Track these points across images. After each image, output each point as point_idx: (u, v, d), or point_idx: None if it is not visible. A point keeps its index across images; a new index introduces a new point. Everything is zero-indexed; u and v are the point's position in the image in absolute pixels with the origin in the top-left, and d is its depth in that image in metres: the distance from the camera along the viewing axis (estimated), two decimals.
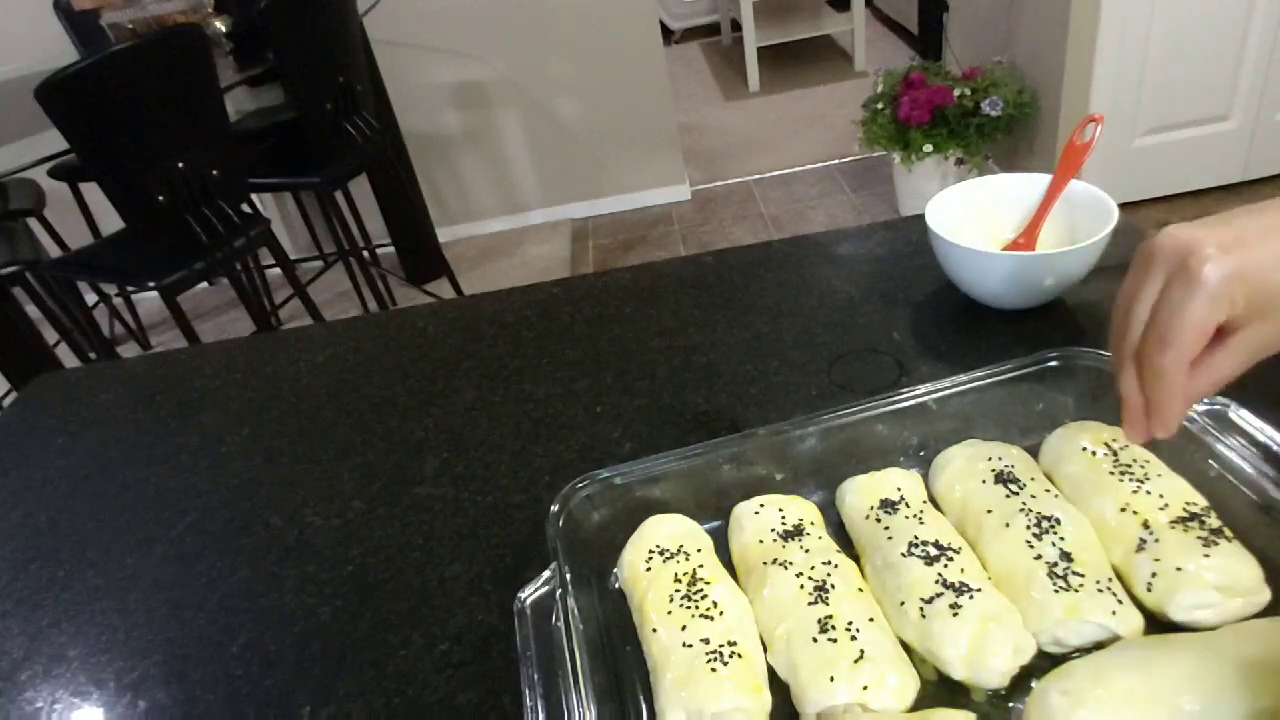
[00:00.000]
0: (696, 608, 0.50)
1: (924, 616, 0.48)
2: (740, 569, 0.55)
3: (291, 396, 0.85)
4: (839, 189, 3.24)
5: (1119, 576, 0.49)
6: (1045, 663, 0.46)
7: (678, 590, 0.51)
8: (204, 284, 3.10)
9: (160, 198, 1.73)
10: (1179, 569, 0.47)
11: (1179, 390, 0.42)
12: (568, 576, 0.51)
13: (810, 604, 0.49)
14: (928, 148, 2.61)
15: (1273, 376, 0.64)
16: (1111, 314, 0.46)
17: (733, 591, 0.52)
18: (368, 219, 2.80)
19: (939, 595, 0.48)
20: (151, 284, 1.80)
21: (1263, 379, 0.64)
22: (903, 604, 0.49)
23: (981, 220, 0.81)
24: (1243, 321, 0.41)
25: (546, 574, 0.53)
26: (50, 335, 2.15)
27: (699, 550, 0.55)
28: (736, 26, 4.36)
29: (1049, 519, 0.51)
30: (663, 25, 4.13)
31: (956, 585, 0.48)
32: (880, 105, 2.75)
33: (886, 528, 0.53)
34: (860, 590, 0.51)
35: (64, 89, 1.52)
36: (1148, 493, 0.51)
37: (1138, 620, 0.47)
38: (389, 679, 0.55)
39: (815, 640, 0.47)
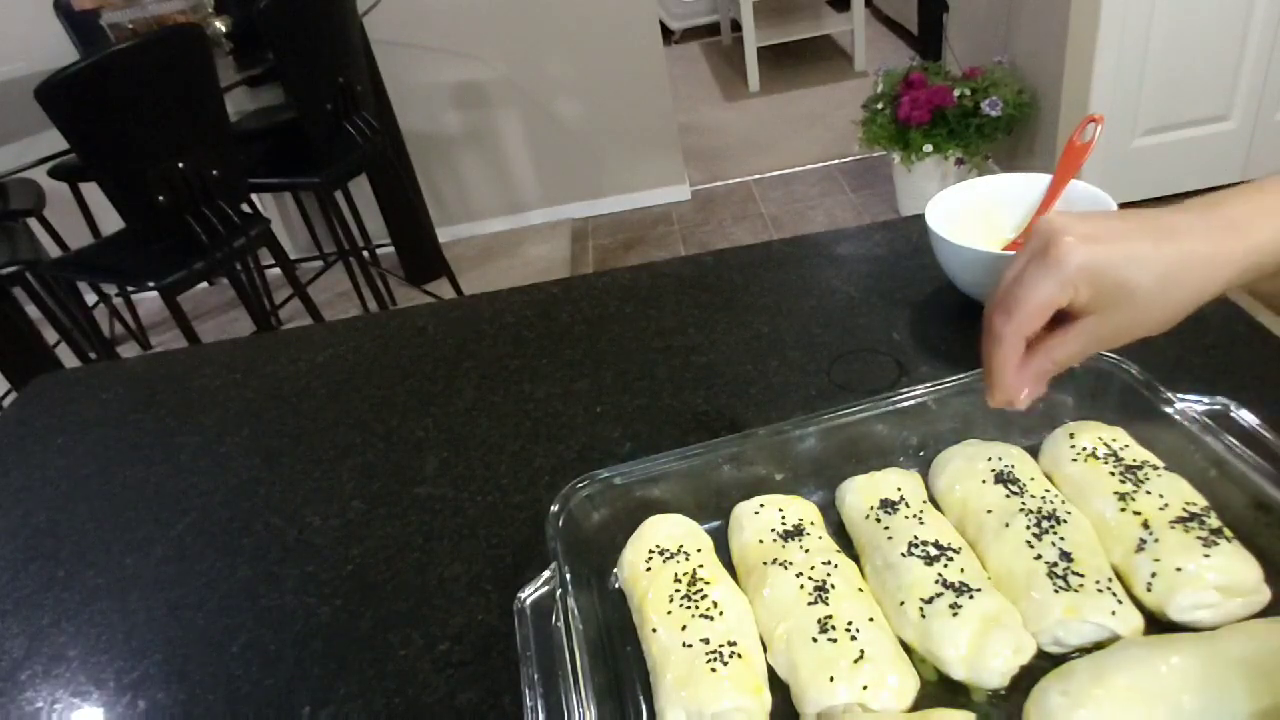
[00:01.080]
0: (696, 608, 0.50)
1: (924, 616, 0.48)
2: (740, 569, 0.55)
3: (291, 396, 0.85)
4: (839, 189, 3.24)
5: (1119, 576, 0.49)
6: (1045, 663, 0.46)
7: (678, 590, 0.51)
8: (204, 284, 3.10)
9: (160, 198, 1.73)
10: (1179, 569, 0.47)
11: (1012, 357, 0.45)
12: (568, 576, 0.51)
13: (810, 604, 0.49)
14: (928, 148, 2.61)
15: (1273, 376, 0.64)
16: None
17: (733, 591, 0.52)
18: (368, 219, 2.80)
19: (939, 595, 0.48)
20: (151, 284, 1.80)
21: (1263, 379, 0.64)
22: (903, 604, 0.49)
23: (981, 220, 0.81)
24: (1088, 311, 0.44)
25: (546, 574, 0.53)
26: (50, 335, 2.15)
27: (699, 550, 0.55)
28: (736, 26, 4.36)
29: (1049, 519, 0.51)
30: (663, 25, 4.13)
31: (956, 585, 0.48)
32: (880, 105, 2.75)
33: (886, 528, 0.53)
34: (860, 590, 0.51)
35: (64, 89, 1.52)
36: (1148, 493, 0.51)
37: (1138, 620, 0.47)
38: (389, 679, 0.55)
39: (815, 640, 0.47)
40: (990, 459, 0.57)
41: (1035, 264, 0.44)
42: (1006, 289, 0.45)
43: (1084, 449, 0.56)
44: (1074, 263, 0.42)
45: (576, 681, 0.46)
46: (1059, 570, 0.48)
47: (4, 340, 1.93)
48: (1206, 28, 2.31)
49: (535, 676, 0.48)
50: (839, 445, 0.60)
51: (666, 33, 4.69)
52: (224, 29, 2.28)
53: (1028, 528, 0.51)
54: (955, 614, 0.47)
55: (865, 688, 0.45)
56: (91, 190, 2.18)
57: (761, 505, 0.57)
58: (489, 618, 0.58)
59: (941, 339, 0.76)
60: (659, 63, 3.13)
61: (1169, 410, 0.55)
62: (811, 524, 0.56)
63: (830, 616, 0.48)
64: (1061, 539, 0.50)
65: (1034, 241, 0.45)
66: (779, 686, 0.48)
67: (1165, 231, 0.43)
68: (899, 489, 0.56)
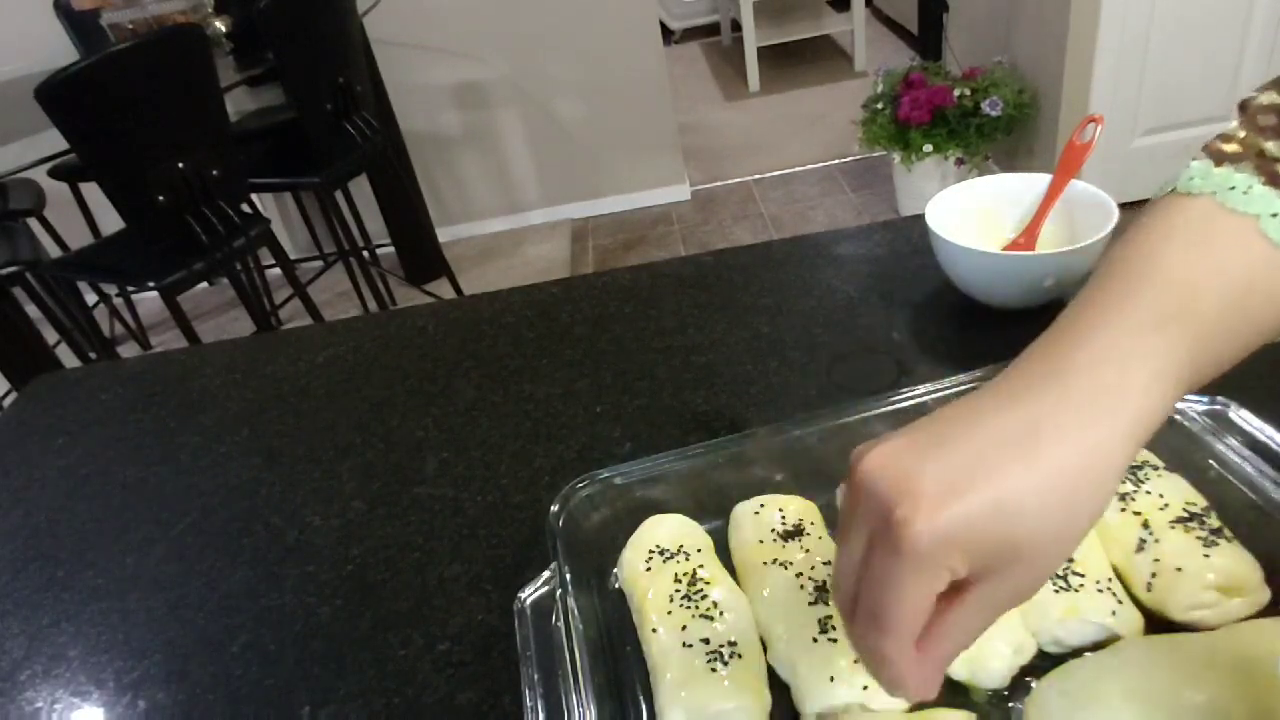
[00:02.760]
0: (696, 608, 0.50)
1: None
2: (740, 569, 0.55)
3: (291, 396, 0.85)
4: (839, 189, 3.24)
5: (1119, 576, 0.49)
6: (1045, 663, 0.46)
7: (678, 590, 0.51)
8: (204, 284, 3.10)
9: (160, 198, 1.73)
10: (1179, 569, 0.47)
11: (910, 671, 0.33)
12: (568, 576, 0.51)
13: (810, 604, 0.49)
14: (928, 148, 2.61)
15: (1273, 376, 0.64)
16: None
17: (733, 591, 0.52)
18: (368, 219, 2.80)
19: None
20: (151, 284, 1.80)
21: (1263, 379, 0.64)
22: None
23: (981, 220, 0.81)
24: (976, 577, 0.32)
25: (546, 574, 0.53)
26: (50, 335, 2.15)
27: (699, 550, 0.55)
28: (736, 26, 4.35)
29: None
30: (663, 25, 4.12)
31: None
32: (880, 105, 2.75)
33: None
34: None
35: (64, 89, 1.52)
36: (1148, 493, 0.51)
37: (1138, 620, 0.47)
38: (389, 679, 0.55)
39: (815, 640, 0.47)
40: None
41: (881, 552, 0.32)
42: (862, 591, 0.33)
43: None
44: (930, 542, 0.31)
45: (576, 681, 0.46)
46: (1059, 570, 0.48)
47: (4, 340, 1.93)
48: (1206, 28, 2.31)
49: (535, 676, 0.48)
50: (839, 445, 0.60)
51: (666, 33, 4.69)
52: (224, 29, 2.28)
53: None
54: None
55: (865, 688, 0.45)
56: (91, 190, 2.18)
57: (761, 505, 0.57)
58: (489, 618, 0.58)
59: (941, 339, 0.76)
60: (659, 63, 3.13)
61: None
62: (811, 524, 0.56)
63: (830, 616, 0.48)
64: None
65: (864, 510, 0.33)
66: (779, 686, 0.48)
67: (1034, 440, 0.31)
68: None
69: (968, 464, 0.32)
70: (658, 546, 0.55)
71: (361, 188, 2.78)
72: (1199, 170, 0.39)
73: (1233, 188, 0.37)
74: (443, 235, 3.08)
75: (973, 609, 0.33)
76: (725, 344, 0.80)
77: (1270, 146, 0.39)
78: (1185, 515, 0.49)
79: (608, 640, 0.52)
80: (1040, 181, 0.79)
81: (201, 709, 0.56)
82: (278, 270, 2.32)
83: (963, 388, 0.60)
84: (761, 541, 0.55)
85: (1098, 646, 0.46)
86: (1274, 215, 0.36)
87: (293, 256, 2.75)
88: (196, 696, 0.57)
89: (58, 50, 2.48)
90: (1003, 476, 0.31)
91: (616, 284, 0.93)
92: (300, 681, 0.56)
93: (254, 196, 2.46)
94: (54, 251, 2.43)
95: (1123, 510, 0.51)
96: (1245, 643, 0.43)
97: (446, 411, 0.78)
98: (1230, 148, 0.40)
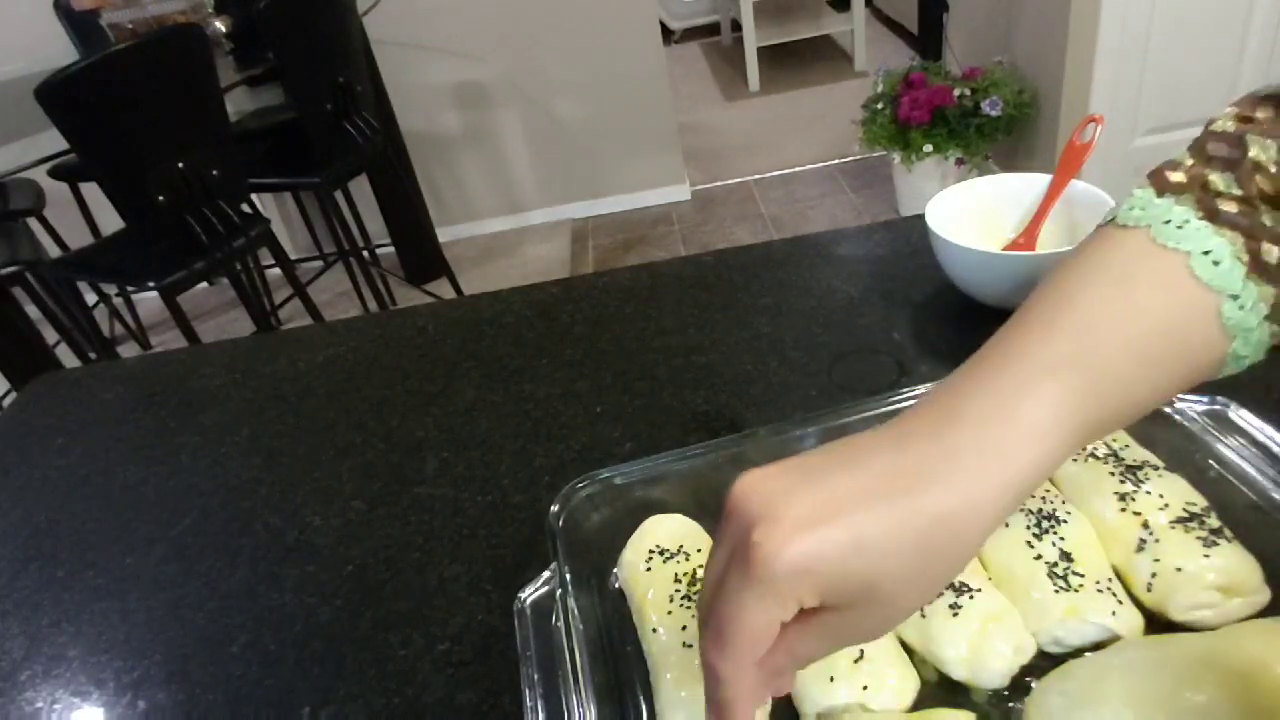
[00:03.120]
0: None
1: (924, 616, 0.48)
2: None
3: (291, 396, 0.85)
4: (839, 189, 3.24)
5: (1119, 576, 0.49)
6: (1045, 663, 0.46)
7: (678, 590, 0.51)
8: (204, 284, 3.10)
9: (160, 198, 1.73)
10: (1179, 569, 0.47)
11: (745, 694, 0.33)
12: (568, 576, 0.51)
13: None
14: (928, 148, 2.61)
15: (1273, 377, 0.64)
16: None
17: None
18: (368, 219, 2.80)
19: (938, 595, 0.48)
20: (151, 284, 1.80)
21: (1262, 379, 0.64)
22: None
23: (981, 220, 0.81)
24: (826, 608, 0.32)
25: (546, 574, 0.53)
26: (50, 335, 2.15)
27: (699, 550, 0.55)
28: (736, 26, 4.35)
29: (1049, 519, 0.51)
30: (663, 25, 4.13)
31: (956, 585, 0.48)
32: (880, 105, 2.75)
33: None
34: None
35: (64, 89, 1.52)
36: (1148, 493, 0.51)
37: (1138, 620, 0.47)
38: (389, 679, 0.55)
39: None
40: None
41: (734, 572, 0.32)
42: (712, 605, 0.33)
43: (1084, 449, 0.56)
44: (782, 570, 0.30)
45: (576, 681, 0.46)
46: (1059, 570, 0.48)
47: (4, 340, 1.93)
48: (1206, 28, 2.31)
49: (535, 676, 0.48)
50: None
51: (666, 33, 4.69)
52: (224, 29, 2.28)
53: (1028, 527, 0.51)
54: (955, 614, 0.47)
55: (865, 688, 0.45)
56: (91, 190, 2.18)
57: None
58: (489, 618, 0.58)
59: (941, 339, 0.76)
60: (659, 63, 3.13)
61: (1169, 410, 0.55)
62: None
63: None
64: (1062, 539, 0.50)
65: (729, 529, 0.33)
66: None
67: (909, 483, 0.31)
68: None
69: (834, 499, 0.31)
70: (658, 546, 0.55)
71: (361, 188, 2.78)
72: (1140, 200, 0.37)
73: (1168, 221, 0.35)
74: (443, 235, 3.08)
75: (814, 635, 0.32)
76: (725, 344, 0.80)
77: (1215, 179, 0.36)
78: (1185, 515, 0.49)
79: (608, 640, 0.52)
80: (1040, 181, 0.79)
81: (201, 709, 0.56)
82: (278, 270, 2.32)
83: None
84: None
85: (1098, 646, 0.46)
86: (1205, 253, 0.34)
87: (293, 256, 2.75)
88: (196, 696, 0.57)
89: (58, 50, 2.48)
90: (864, 515, 0.31)
91: (616, 284, 0.93)
92: (300, 681, 0.56)
93: (254, 196, 2.46)
94: (54, 251, 2.43)
95: (1123, 510, 0.51)
96: (1245, 643, 0.43)
97: (446, 411, 0.78)
98: (1175, 177, 0.38)
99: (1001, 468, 0.31)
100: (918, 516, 0.31)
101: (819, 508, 0.31)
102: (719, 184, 3.46)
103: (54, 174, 2.30)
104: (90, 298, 2.76)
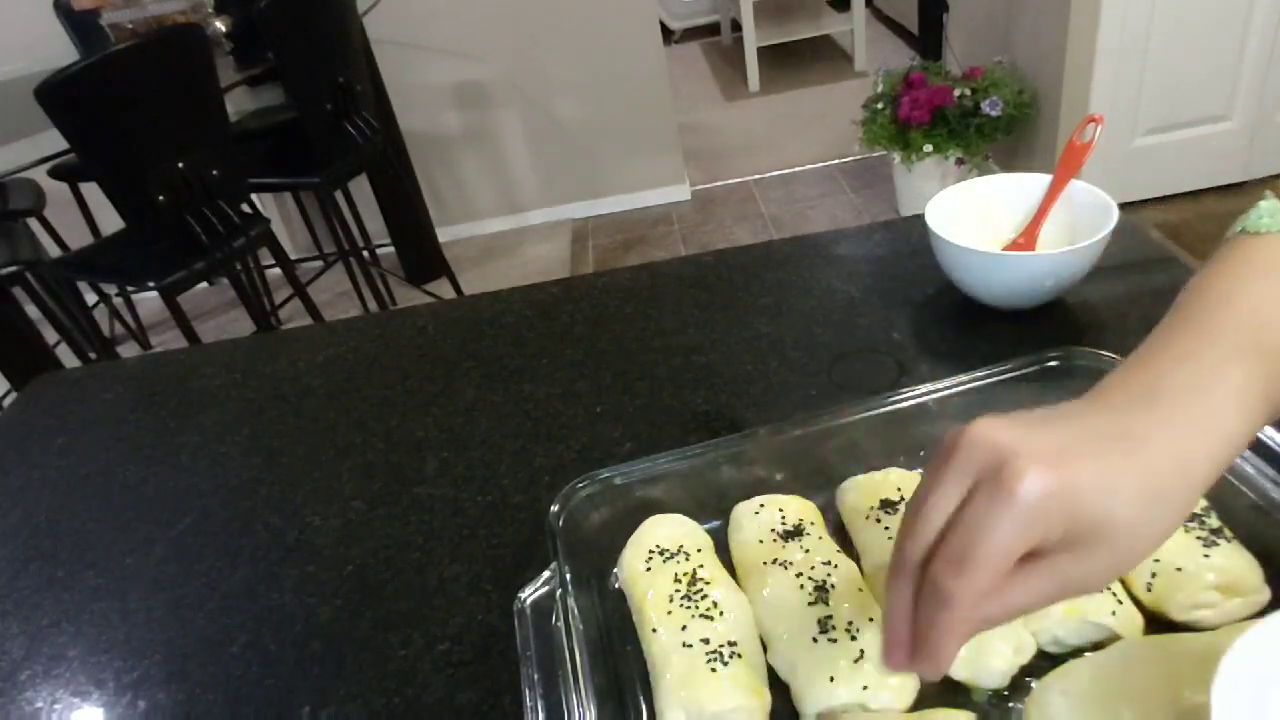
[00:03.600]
0: (696, 608, 0.50)
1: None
2: (740, 569, 0.55)
3: (291, 396, 0.85)
4: (839, 189, 3.24)
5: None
6: (1045, 663, 0.46)
7: (678, 590, 0.51)
8: (204, 284, 3.10)
9: (160, 198, 1.73)
10: (1179, 569, 0.47)
11: (964, 623, 0.34)
12: (568, 576, 0.51)
13: (810, 604, 0.49)
14: (928, 148, 2.61)
15: None
16: (905, 508, 0.39)
17: (733, 591, 0.52)
18: (368, 219, 2.80)
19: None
20: (151, 284, 1.80)
21: None
22: None
23: (981, 220, 0.81)
24: (1053, 549, 0.34)
25: (546, 574, 0.53)
26: (50, 335, 2.15)
27: (699, 550, 0.55)
28: (736, 26, 4.35)
29: None
30: (663, 25, 4.12)
31: None
32: (880, 105, 2.75)
33: (886, 528, 0.53)
34: (860, 590, 0.51)
35: (64, 89, 1.52)
36: None
37: (1138, 620, 0.47)
38: (389, 679, 0.55)
39: (815, 640, 0.47)
40: None
41: (984, 496, 0.33)
42: (952, 535, 0.34)
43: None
44: (1039, 492, 0.32)
45: (576, 681, 0.46)
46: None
47: (4, 340, 1.93)
48: (1206, 28, 2.31)
49: (535, 676, 0.48)
50: (839, 445, 0.60)
51: (666, 33, 4.69)
52: (224, 29, 2.28)
53: None
54: None
55: (865, 688, 0.45)
56: (91, 190, 2.18)
57: (761, 505, 0.57)
58: (489, 618, 0.58)
59: (941, 339, 0.76)
60: (659, 63, 3.13)
61: None
62: (811, 524, 0.56)
63: (830, 616, 0.48)
64: None
65: (970, 461, 0.34)
66: (779, 686, 0.48)
67: (1133, 440, 0.34)
68: (899, 489, 0.56)
69: (1074, 445, 0.34)
70: (658, 546, 0.55)
71: (361, 188, 2.78)
72: (1268, 209, 0.43)
73: None
74: (443, 235, 3.08)
75: (1045, 575, 0.34)
76: (725, 344, 0.80)
77: None
78: None
79: (608, 640, 0.52)
80: (1040, 181, 0.79)
81: (201, 709, 0.56)
82: (278, 270, 2.32)
83: (962, 388, 0.60)
84: (761, 541, 0.55)
85: (1098, 646, 0.46)
86: None
87: (293, 256, 2.75)
88: (196, 696, 0.57)
89: (58, 50, 2.48)
90: (1106, 459, 0.34)
91: (616, 284, 0.93)
92: (300, 681, 0.56)
93: (254, 196, 2.46)
94: (54, 251, 2.43)
95: None
96: None
97: (446, 411, 0.78)
98: None
99: (1210, 434, 0.35)
100: (1148, 469, 0.34)
101: (1065, 449, 0.34)
102: (719, 184, 3.45)
103: (54, 174, 2.30)
104: (90, 298, 2.76)
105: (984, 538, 0.33)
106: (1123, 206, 0.71)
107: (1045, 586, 0.34)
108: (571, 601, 0.50)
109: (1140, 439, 0.34)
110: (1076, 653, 0.47)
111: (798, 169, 3.43)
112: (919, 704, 0.46)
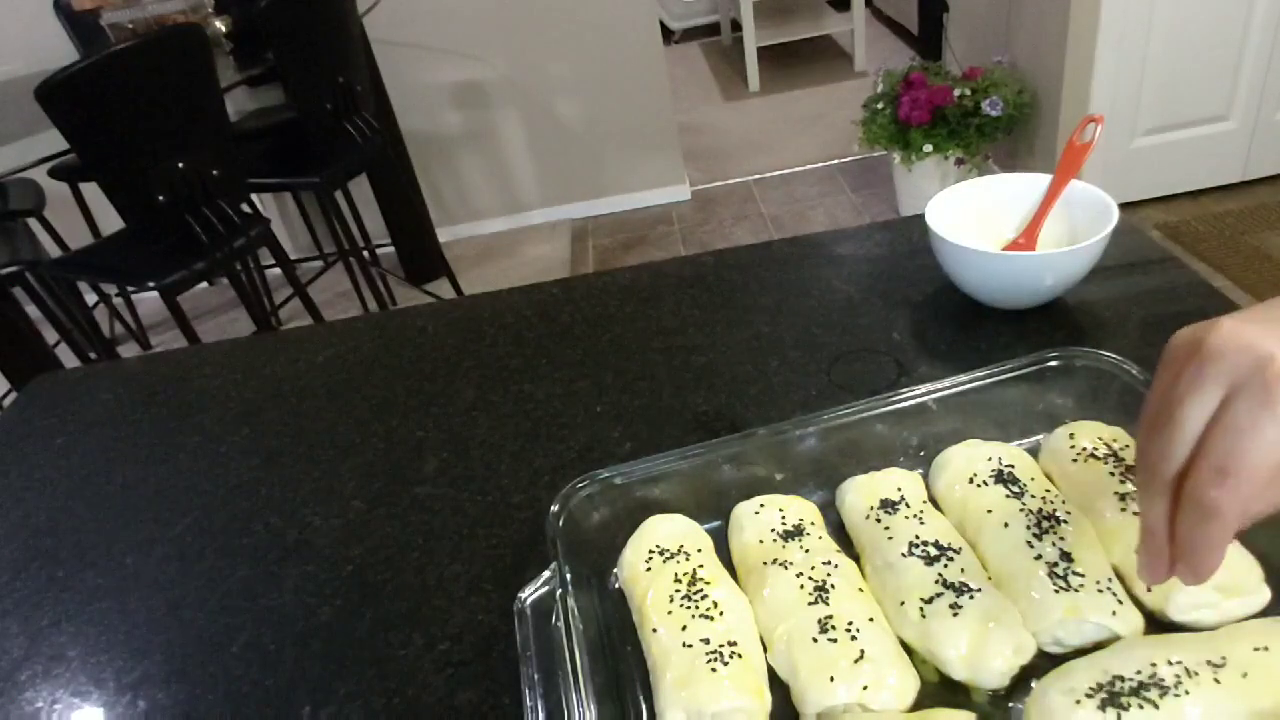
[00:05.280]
0: (696, 608, 0.50)
1: (924, 616, 0.48)
2: (740, 569, 0.55)
3: (291, 396, 0.85)
4: (839, 189, 3.24)
5: (1119, 576, 0.49)
6: (1045, 663, 0.46)
7: (678, 590, 0.51)
8: (204, 284, 3.10)
9: (160, 198, 1.73)
10: None
11: (1228, 534, 0.34)
12: (568, 576, 0.51)
13: (810, 604, 0.49)
14: (928, 148, 2.61)
15: None
16: (1140, 418, 0.38)
17: (733, 591, 0.52)
18: (368, 219, 2.80)
19: (939, 595, 0.48)
20: (151, 284, 1.80)
21: None
22: (903, 604, 0.49)
23: (981, 220, 0.81)
24: None
25: (546, 574, 0.53)
26: (50, 335, 2.15)
27: (699, 550, 0.55)
28: (736, 26, 4.35)
29: (1049, 519, 0.51)
30: (663, 25, 4.13)
31: (956, 585, 0.48)
32: (880, 105, 2.75)
33: (887, 528, 0.53)
34: (860, 590, 0.51)
35: (64, 89, 1.52)
36: None
37: (1138, 620, 0.47)
38: (389, 679, 0.55)
39: (815, 640, 0.47)
40: (990, 459, 0.57)
41: (1248, 402, 0.32)
42: (1217, 445, 0.33)
43: (1084, 449, 0.56)
44: None
45: (576, 681, 0.46)
46: (1059, 570, 0.48)
47: (4, 340, 1.93)
48: (1206, 28, 2.31)
49: (535, 676, 0.48)
50: (839, 445, 0.60)
51: (666, 33, 4.69)
52: (224, 29, 2.28)
53: (1028, 528, 0.51)
54: (955, 614, 0.47)
55: (865, 688, 0.45)
56: (91, 190, 2.18)
57: (761, 505, 0.57)
58: (489, 618, 0.58)
59: (941, 339, 0.76)
60: (659, 63, 3.13)
61: None
62: (811, 524, 0.56)
63: (830, 616, 0.48)
64: (1061, 539, 0.50)
65: (1224, 366, 0.33)
66: (779, 686, 0.48)
67: None
68: (899, 489, 0.56)
69: None
70: (658, 546, 0.55)
71: (361, 188, 2.78)
72: None
73: None
74: (443, 235, 3.08)
75: None
76: (725, 344, 0.80)
77: None
78: None
79: (608, 640, 0.52)
80: (1040, 181, 0.79)
81: (201, 709, 0.56)
82: (278, 270, 2.32)
83: (962, 388, 0.60)
84: (761, 541, 0.55)
85: (1098, 646, 0.46)
86: None
87: (293, 256, 2.75)
88: (196, 696, 0.57)
89: (58, 50, 2.48)
90: None
91: (616, 284, 0.93)
92: (300, 681, 0.56)
93: (254, 196, 2.46)
94: (54, 251, 2.43)
95: (1123, 510, 0.51)
96: (1245, 642, 0.43)
97: (446, 411, 0.78)
98: None
99: None
100: None
101: None
102: (719, 184, 3.45)
103: (54, 174, 2.30)
104: (90, 298, 2.76)
105: (1251, 445, 0.32)
106: (1123, 206, 0.71)
107: None
108: (571, 601, 0.50)
109: None
110: (1077, 653, 0.47)
111: (797, 169, 3.43)
112: (919, 704, 0.46)
